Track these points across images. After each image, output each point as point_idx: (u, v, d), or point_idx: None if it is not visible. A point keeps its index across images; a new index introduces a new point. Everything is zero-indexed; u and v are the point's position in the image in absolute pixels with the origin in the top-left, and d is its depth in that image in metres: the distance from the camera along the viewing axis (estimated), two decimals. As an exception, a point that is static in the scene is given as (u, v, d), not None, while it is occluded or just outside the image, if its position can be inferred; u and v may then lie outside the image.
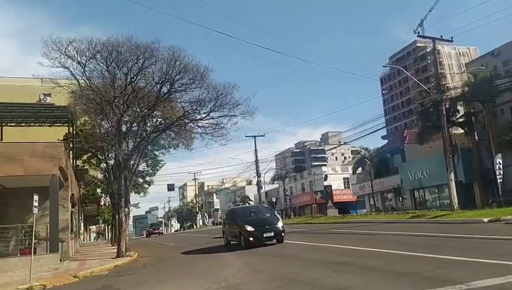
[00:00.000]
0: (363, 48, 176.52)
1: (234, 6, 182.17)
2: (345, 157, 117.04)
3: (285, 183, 63.18)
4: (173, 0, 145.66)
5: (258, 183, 49.82)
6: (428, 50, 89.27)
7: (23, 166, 14.24)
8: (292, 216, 54.49)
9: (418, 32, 73.51)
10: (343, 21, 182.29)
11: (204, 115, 19.29)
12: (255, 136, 47.54)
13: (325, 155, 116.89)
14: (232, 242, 16.67)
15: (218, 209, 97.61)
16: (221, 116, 19.23)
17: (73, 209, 20.27)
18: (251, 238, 14.55)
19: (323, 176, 59.30)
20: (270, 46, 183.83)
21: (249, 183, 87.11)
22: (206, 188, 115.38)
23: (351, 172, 49.99)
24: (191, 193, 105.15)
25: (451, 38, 23.88)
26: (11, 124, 22.83)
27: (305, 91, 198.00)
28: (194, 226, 78.53)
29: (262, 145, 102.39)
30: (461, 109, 32.36)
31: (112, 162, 23.28)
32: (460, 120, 31.53)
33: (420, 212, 23.97)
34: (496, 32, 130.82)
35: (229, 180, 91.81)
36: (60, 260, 14.68)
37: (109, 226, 41.58)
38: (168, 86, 18.20)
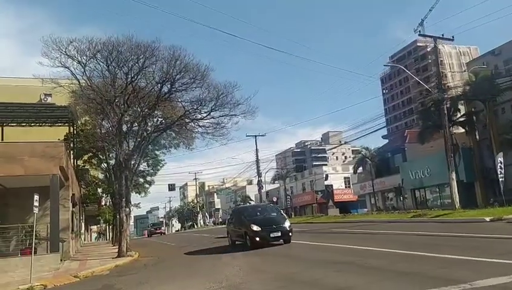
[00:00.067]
0: (366, 47, 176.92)
1: (238, 5, 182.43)
2: (345, 157, 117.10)
3: (285, 183, 63.15)
4: (177, 0, 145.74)
5: (259, 183, 49.79)
6: (428, 49, 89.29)
7: (23, 166, 14.21)
8: (293, 216, 54.38)
9: (420, 31, 73.34)
10: (347, 20, 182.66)
11: (205, 115, 19.29)
12: (255, 136, 47.58)
13: (325, 155, 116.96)
14: (237, 242, 16.18)
15: (219, 209, 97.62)
16: (222, 116, 19.23)
17: (74, 209, 20.24)
18: (257, 238, 14.04)
19: (324, 175, 59.19)
20: (273, 46, 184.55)
21: (250, 183, 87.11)
22: (206, 188, 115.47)
23: (352, 172, 49.98)
24: (191, 193, 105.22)
25: (452, 37, 23.90)
26: (12, 124, 22.82)
27: (306, 90, 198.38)
28: (195, 226, 78.52)
29: (262, 145, 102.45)
30: (462, 108, 32.32)
31: (112, 162, 23.29)
32: (461, 119, 31.48)
33: (421, 211, 23.90)
34: (497, 31, 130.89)
35: (229, 180, 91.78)
36: (61, 260, 14.66)
37: (110, 226, 41.57)
38: (169, 86, 18.19)
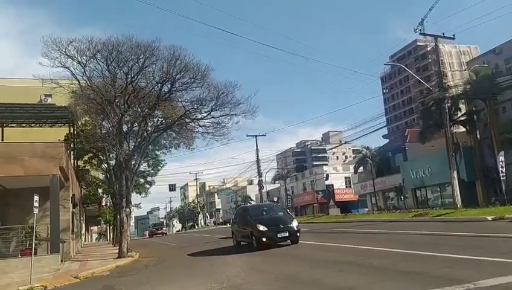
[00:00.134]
0: (363, 45, 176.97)
1: (234, 2, 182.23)
2: (346, 157, 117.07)
3: (286, 183, 63.07)
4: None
5: (260, 183, 49.70)
6: (428, 49, 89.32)
7: (23, 166, 14.19)
8: (294, 216, 54.36)
9: (420, 30, 73.22)
10: (343, 17, 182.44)
11: (205, 114, 19.24)
12: (256, 136, 47.43)
13: (326, 154, 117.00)
14: (242, 243, 15.69)
15: (219, 209, 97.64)
16: (223, 116, 19.18)
17: (74, 210, 20.21)
18: (264, 239, 13.54)
19: (325, 175, 59.14)
20: (270, 43, 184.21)
21: (250, 183, 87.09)
22: (207, 188, 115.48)
23: (353, 171, 49.89)
24: (192, 193, 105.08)
25: (453, 35, 23.90)
26: (12, 125, 22.81)
27: (307, 89, 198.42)
28: (196, 227, 78.47)
29: (263, 145, 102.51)
30: (463, 107, 32.23)
31: (113, 162, 23.25)
32: (462, 118, 31.40)
33: (423, 210, 23.85)
34: (497, 30, 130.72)
35: (230, 180, 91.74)
36: (61, 261, 14.63)
37: (111, 227, 41.51)
38: (169, 85, 18.15)
